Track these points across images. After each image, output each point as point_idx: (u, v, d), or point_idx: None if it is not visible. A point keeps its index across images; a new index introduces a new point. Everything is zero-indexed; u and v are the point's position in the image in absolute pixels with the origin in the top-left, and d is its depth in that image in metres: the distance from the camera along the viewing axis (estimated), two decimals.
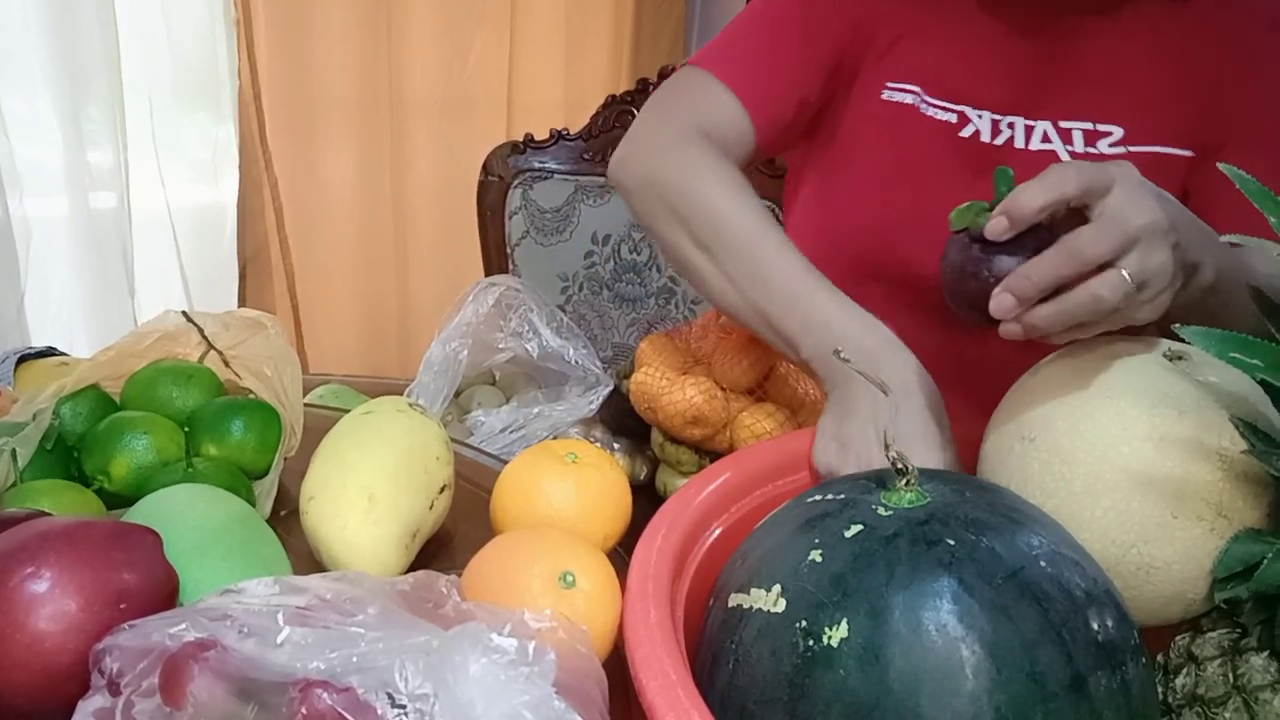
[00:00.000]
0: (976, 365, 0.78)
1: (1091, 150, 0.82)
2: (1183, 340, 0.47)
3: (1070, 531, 0.50)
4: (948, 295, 0.59)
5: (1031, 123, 0.83)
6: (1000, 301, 0.54)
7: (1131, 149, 0.81)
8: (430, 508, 0.65)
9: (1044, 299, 0.53)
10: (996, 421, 0.60)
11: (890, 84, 0.85)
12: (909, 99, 0.85)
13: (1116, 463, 0.52)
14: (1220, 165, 0.51)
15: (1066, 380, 0.56)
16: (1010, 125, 0.83)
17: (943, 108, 0.84)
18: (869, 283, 0.90)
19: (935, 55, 0.84)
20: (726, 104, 0.83)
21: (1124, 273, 0.52)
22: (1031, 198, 0.53)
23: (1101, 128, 0.81)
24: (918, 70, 0.84)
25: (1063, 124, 0.82)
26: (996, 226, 0.54)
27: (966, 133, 0.84)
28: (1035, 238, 0.54)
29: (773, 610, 0.45)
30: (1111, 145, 0.81)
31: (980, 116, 0.83)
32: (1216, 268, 0.62)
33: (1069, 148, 0.82)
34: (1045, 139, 0.82)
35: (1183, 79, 0.80)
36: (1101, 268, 0.52)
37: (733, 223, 0.75)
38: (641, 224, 0.83)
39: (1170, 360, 0.55)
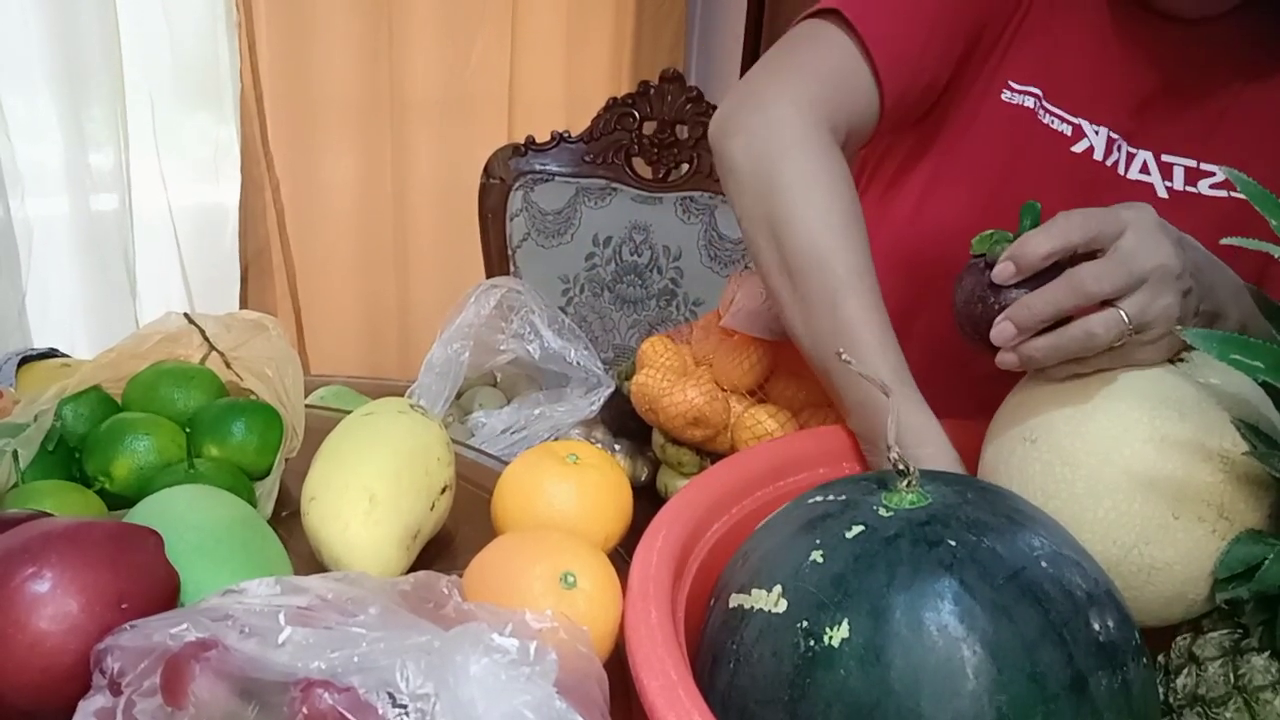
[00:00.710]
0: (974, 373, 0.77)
1: (1191, 189, 0.79)
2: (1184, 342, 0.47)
3: (1072, 533, 0.50)
4: (957, 319, 0.59)
5: (1134, 150, 0.79)
6: (1000, 330, 0.54)
7: (1233, 194, 0.77)
8: (431, 509, 0.65)
9: (1043, 331, 0.53)
10: (997, 423, 0.60)
11: (1013, 83, 0.80)
12: (1029, 102, 0.80)
13: (1118, 464, 0.52)
14: (1221, 169, 0.51)
15: (1068, 382, 0.56)
16: (1119, 148, 0.80)
17: (1060, 116, 0.80)
18: (936, 292, 0.88)
19: (1062, 61, 0.80)
20: (858, 74, 0.74)
21: (1122, 312, 0.52)
22: (1037, 245, 0.53)
23: (1205, 167, 0.78)
24: (1043, 72, 0.80)
25: (1165, 157, 0.79)
26: (1003, 271, 0.54)
27: (1079, 148, 0.80)
28: (1050, 275, 0.54)
29: (774, 611, 0.45)
30: (1213, 186, 0.78)
31: (1097, 132, 0.79)
32: (1241, 319, 0.61)
33: (1168, 183, 0.79)
34: (1144, 169, 0.79)
35: None
36: (1104, 305, 0.52)
37: (826, 264, 0.68)
38: (732, 206, 0.75)
39: (1171, 362, 0.55)
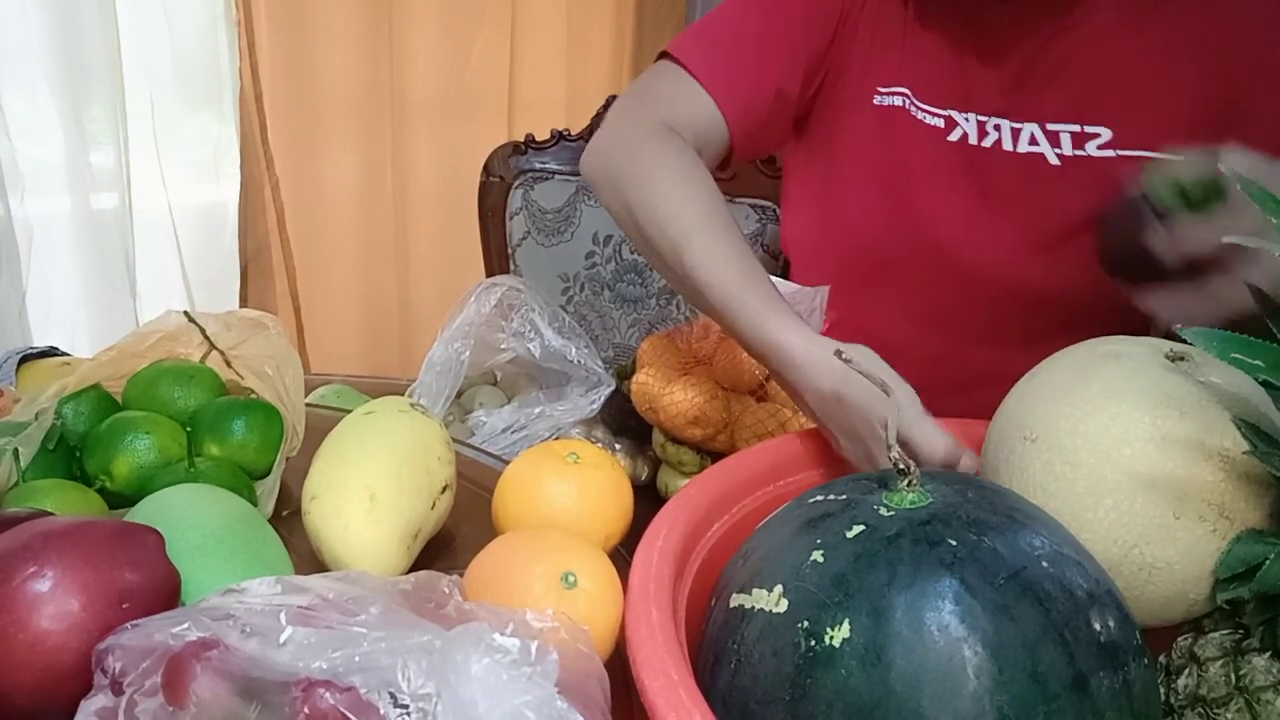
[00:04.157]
0: (973, 370, 0.79)
1: (1080, 153, 0.81)
2: (1184, 341, 0.47)
3: (1072, 532, 0.50)
4: (1109, 256, 0.61)
5: (1018, 124, 0.83)
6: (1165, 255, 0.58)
7: (1120, 152, 0.81)
8: (432, 508, 0.65)
9: None
10: (998, 422, 0.60)
11: (881, 88, 0.85)
12: (900, 101, 0.85)
13: (1119, 464, 0.52)
14: (1221, 166, 0.51)
15: (1068, 381, 0.56)
16: (996, 128, 0.83)
17: (931, 112, 0.84)
18: (865, 288, 0.90)
19: (924, 59, 0.84)
20: (698, 99, 0.82)
21: None
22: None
23: (1090, 129, 0.81)
24: (907, 73, 0.85)
25: (1050, 126, 0.82)
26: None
27: (954, 136, 0.84)
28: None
29: (775, 610, 0.45)
30: (1100, 147, 0.81)
31: (967, 119, 0.83)
32: None
33: (1057, 150, 0.82)
34: (1033, 141, 0.82)
35: (1176, 73, 0.80)
36: None
37: (671, 221, 0.74)
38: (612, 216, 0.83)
39: (1172, 361, 0.55)
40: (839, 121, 0.88)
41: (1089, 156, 0.81)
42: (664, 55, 0.85)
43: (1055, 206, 0.82)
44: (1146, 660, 0.45)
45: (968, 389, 0.69)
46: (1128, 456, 0.51)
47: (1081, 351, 0.58)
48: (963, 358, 0.87)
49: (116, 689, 0.42)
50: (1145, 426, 0.51)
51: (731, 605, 0.48)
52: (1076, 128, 0.82)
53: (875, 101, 0.85)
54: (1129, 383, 0.54)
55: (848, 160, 0.89)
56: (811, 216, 0.94)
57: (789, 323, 0.66)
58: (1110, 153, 0.81)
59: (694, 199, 0.74)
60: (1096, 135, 0.81)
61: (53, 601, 0.45)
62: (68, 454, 0.70)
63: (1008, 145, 0.83)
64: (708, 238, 0.71)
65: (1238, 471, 0.50)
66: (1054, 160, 0.82)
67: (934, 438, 0.59)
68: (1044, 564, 0.44)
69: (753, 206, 1.44)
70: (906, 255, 0.86)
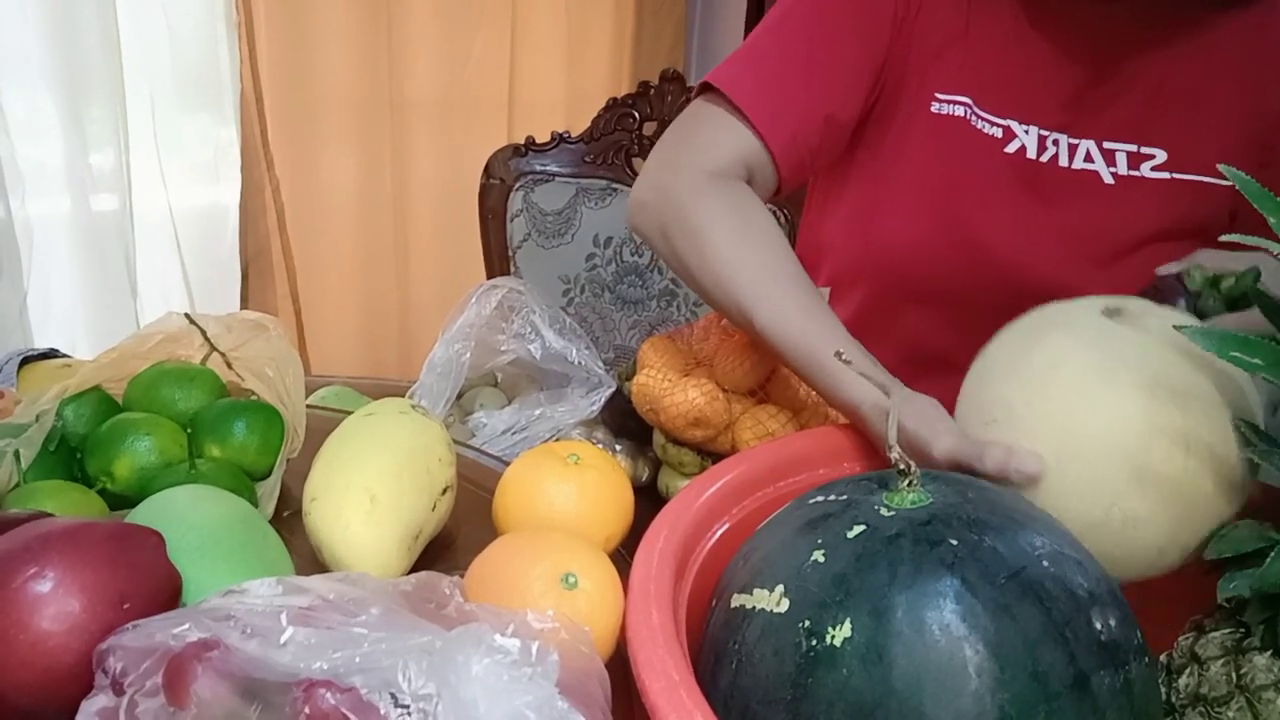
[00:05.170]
0: None
1: (1134, 173, 0.81)
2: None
3: (1049, 501, 0.51)
4: None
5: (1075, 141, 0.81)
6: None
7: (1175, 175, 0.80)
8: (433, 509, 0.65)
9: None
10: (959, 412, 0.60)
11: (940, 95, 0.82)
12: (960, 110, 0.82)
13: (1076, 430, 0.52)
14: (1220, 165, 0.51)
15: (1012, 357, 0.57)
16: (1055, 143, 0.82)
17: (990, 121, 0.82)
18: (909, 303, 0.89)
19: (986, 66, 0.82)
20: (742, 135, 0.79)
21: None
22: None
23: (1146, 150, 0.80)
24: (969, 81, 0.82)
25: (1107, 144, 0.81)
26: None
27: (1012, 148, 0.82)
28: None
29: (776, 610, 0.45)
30: (1154, 169, 0.80)
31: (1027, 131, 0.82)
32: None
33: (1112, 169, 0.81)
34: (1088, 158, 0.81)
35: (1231, 97, 0.79)
36: None
37: (733, 284, 0.73)
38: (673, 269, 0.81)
39: (1109, 317, 0.56)
40: (892, 131, 0.85)
41: (1143, 178, 0.81)
42: (706, 86, 0.82)
43: (1106, 224, 0.81)
44: (1147, 659, 0.45)
45: None
46: (1084, 420, 0.52)
47: (1017, 326, 0.59)
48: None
49: (117, 689, 0.42)
50: (1096, 388, 0.52)
51: (732, 605, 0.48)
52: (1133, 148, 0.81)
53: (933, 109, 0.82)
54: (1069, 348, 0.55)
55: (898, 173, 0.85)
56: (852, 232, 0.91)
57: (857, 381, 0.65)
58: (1165, 174, 0.80)
59: (751, 259, 0.73)
60: (1152, 156, 0.80)
61: (54, 602, 0.45)
62: (68, 455, 0.70)
63: (1064, 161, 0.82)
64: (770, 301, 0.71)
65: (1195, 409, 0.51)
66: (1108, 179, 0.81)
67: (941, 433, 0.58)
68: (1044, 563, 0.44)
69: None
70: (957, 269, 0.85)
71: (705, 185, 0.76)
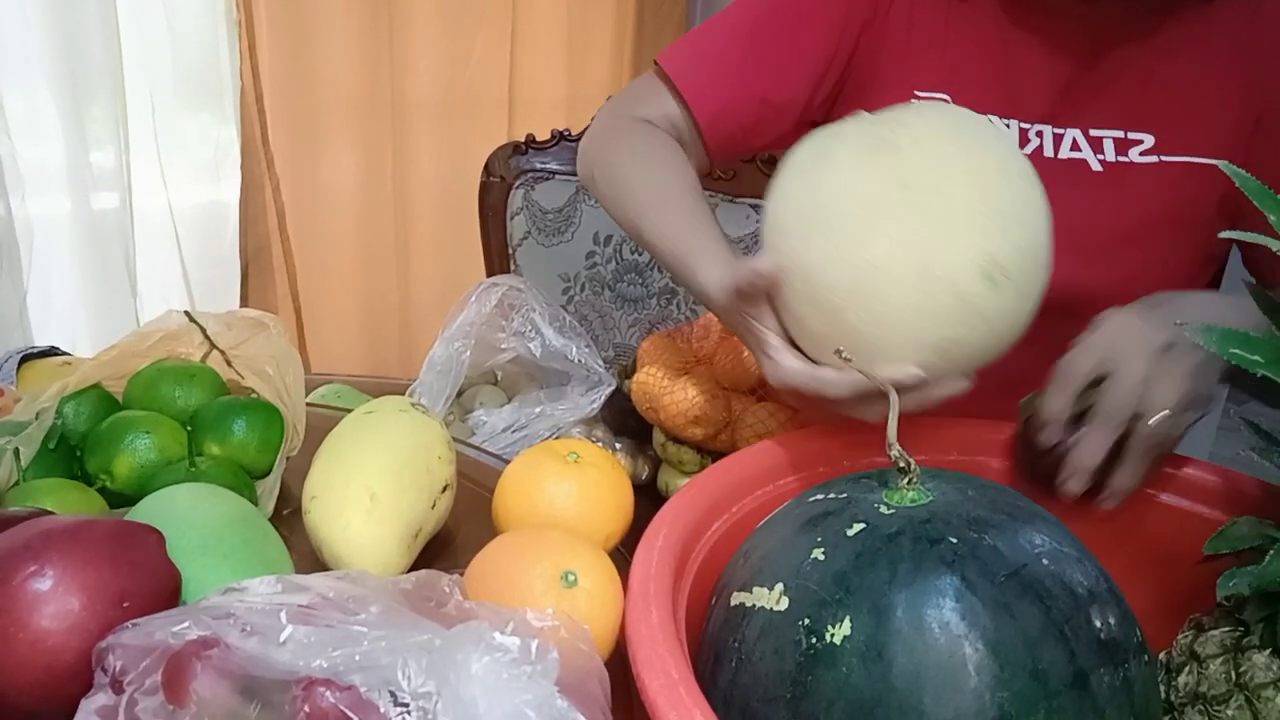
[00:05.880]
0: (1012, 372, 0.78)
1: (1122, 159, 0.81)
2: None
3: (886, 294, 0.56)
4: (1024, 473, 0.66)
5: (1060, 130, 0.82)
6: (1070, 488, 0.60)
7: (1163, 158, 0.80)
8: (432, 507, 0.65)
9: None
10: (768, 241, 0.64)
11: (919, 92, 0.84)
12: None
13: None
14: (1220, 163, 0.51)
15: (796, 194, 0.62)
16: (1039, 134, 0.82)
17: None
18: None
19: (966, 65, 0.83)
20: (670, 102, 0.86)
21: (1153, 420, 0.57)
22: (1056, 404, 0.61)
23: (1133, 136, 0.81)
24: (946, 78, 0.83)
25: (1093, 132, 0.82)
26: (1049, 436, 0.61)
27: None
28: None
29: (775, 608, 0.45)
30: (1143, 153, 0.81)
31: (1008, 126, 0.83)
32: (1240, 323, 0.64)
33: (1100, 156, 0.81)
34: (1075, 147, 0.82)
35: (1221, 81, 0.79)
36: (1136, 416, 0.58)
37: (632, 199, 0.80)
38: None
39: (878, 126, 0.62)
40: None
41: (1131, 163, 0.81)
42: (653, 66, 0.89)
43: (1096, 212, 0.82)
44: (1146, 657, 0.45)
45: (1007, 391, 0.68)
46: (862, 194, 0.58)
47: (791, 161, 0.64)
48: (1002, 360, 0.86)
49: (117, 688, 0.42)
50: (861, 182, 0.58)
51: (732, 604, 0.48)
52: (1120, 134, 0.81)
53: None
54: (836, 155, 0.61)
55: None
56: None
57: (708, 266, 0.71)
58: (1153, 158, 0.80)
59: (649, 180, 0.80)
60: (1140, 142, 0.81)
61: (53, 601, 0.45)
62: (68, 453, 0.70)
63: (1049, 152, 0.82)
64: (655, 210, 0.78)
65: (979, 182, 0.57)
66: (1096, 166, 0.81)
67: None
68: (1044, 561, 0.44)
69: (753, 206, 1.44)
70: None
71: (629, 127, 0.85)
